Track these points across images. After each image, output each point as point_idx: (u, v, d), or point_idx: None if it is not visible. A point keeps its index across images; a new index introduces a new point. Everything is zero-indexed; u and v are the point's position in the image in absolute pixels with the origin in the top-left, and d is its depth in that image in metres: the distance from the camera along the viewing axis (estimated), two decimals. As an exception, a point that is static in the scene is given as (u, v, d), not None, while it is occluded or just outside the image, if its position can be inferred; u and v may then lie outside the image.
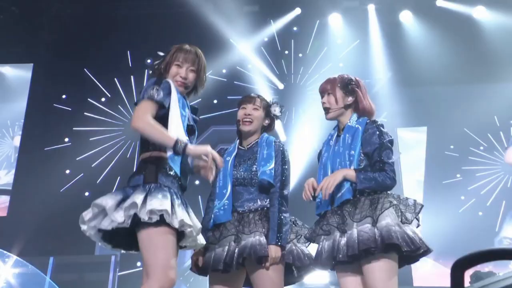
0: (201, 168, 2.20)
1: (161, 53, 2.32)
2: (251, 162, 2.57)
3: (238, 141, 2.69)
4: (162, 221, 1.99)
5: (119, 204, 2.01)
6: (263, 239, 2.39)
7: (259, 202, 2.51)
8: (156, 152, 2.13)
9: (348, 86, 2.38)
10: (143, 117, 2.06)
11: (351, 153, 2.26)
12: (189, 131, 2.22)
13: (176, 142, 2.06)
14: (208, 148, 2.13)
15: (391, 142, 2.29)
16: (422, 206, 2.19)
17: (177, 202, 2.06)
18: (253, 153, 2.60)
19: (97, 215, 2.04)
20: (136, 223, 2.00)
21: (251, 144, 2.64)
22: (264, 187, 2.51)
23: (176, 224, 2.01)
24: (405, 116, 6.89)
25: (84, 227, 2.05)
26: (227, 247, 2.45)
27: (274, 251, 2.39)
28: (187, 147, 2.08)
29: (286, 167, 2.55)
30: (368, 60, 7.23)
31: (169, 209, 1.99)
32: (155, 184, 2.06)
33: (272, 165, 2.51)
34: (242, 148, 2.66)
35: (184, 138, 2.11)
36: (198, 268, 2.51)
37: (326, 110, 2.41)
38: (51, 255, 6.05)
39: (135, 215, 1.98)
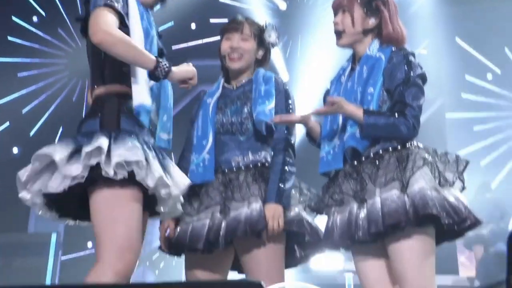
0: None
1: None
2: (241, 102, 2.54)
3: (223, 79, 2.64)
4: (128, 180, 1.91)
5: (72, 155, 1.92)
6: (260, 207, 2.34)
7: (251, 156, 2.48)
8: (116, 86, 2.05)
9: (372, 2, 2.30)
10: (109, 28, 1.95)
11: (369, 91, 2.22)
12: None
13: (157, 62, 2.00)
14: (194, 70, 2.12)
15: (423, 77, 2.21)
16: (468, 162, 2.15)
17: (150, 154, 1.97)
18: (244, 92, 2.56)
19: (40, 173, 1.95)
20: (91, 181, 1.91)
21: (242, 83, 2.60)
22: (260, 135, 2.47)
23: (151, 183, 1.93)
24: (451, 49, 6.80)
25: (24, 193, 1.97)
26: (208, 220, 2.38)
27: (274, 210, 2.34)
28: (171, 70, 2.04)
29: (291, 107, 2.54)
30: None
31: (142, 159, 1.91)
32: (117, 129, 1.98)
33: (273, 104, 2.49)
34: (229, 87, 2.62)
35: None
36: (169, 246, 2.47)
37: (338, 33, 2.33)
38: (-34, 234, 5.88)
39: (95, 168, 1.89)
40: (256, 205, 2.37)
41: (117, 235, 1.93)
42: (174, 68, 2.07)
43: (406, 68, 2.21)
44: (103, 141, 1.91)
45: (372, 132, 2.17)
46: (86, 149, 1.90)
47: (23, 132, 6.72)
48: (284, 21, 7.13)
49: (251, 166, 2.48)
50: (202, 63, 6.68)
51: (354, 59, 2.39)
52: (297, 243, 2.48)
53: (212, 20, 6.88)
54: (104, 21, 1.98)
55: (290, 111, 2.54)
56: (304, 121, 2.39)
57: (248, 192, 2.41)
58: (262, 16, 6.97)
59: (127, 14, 2.06)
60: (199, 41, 6.85)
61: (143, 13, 2.13)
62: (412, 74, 2.20)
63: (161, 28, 2.33)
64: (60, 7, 7.07)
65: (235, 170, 2.48)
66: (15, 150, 6.74)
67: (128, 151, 1.94)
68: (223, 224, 2.37)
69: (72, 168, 1.92)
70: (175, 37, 6.59)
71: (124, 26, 2.03)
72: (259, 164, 2.48)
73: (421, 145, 2.20)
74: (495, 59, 7.05)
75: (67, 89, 7.06)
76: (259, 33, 2.62)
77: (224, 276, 2.52)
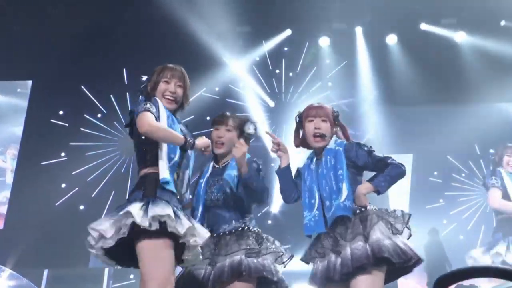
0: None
1: (144, 77, 2.45)
2: (224, 182, 2.57)
3: (213, 161, 2.72)
4: (163, 232, 2.00)
5: (115, 222, 2.08)
6: (240, 258, 2.38)
7: (234, 223, 2.52)
8: (153, 168, 2.21)
9: (338, 117, 2.53)
10: (149, 122, 2.14)
11: (339, 172, 2.32)
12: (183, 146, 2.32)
13: (185, 139, 2.21)
14: (209, 141, 2.33)
15: (371, 147, 2.41)
16: (410, 215, 2.24)
17: (179, 211, 2.11)
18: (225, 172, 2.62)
19: (99, 237, 2.08)
20: (136, 234, 2.03)
21: (225, 163, 2.65)
22: (240, 205, 2.52)
23: (181, 230, 2.02)
24: (391, 142, 7.06)
25: (93, 251, 2.11)
26: (203, 270, 2.45)
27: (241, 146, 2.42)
28: (195, 143, 2.24)
29: (261, 173, 2.53)
30: (355, 80, 7.51)
31: (172, 214, 2.02)
32: (154, 197, 2.12)
33: (236, 172, 2.50)
34: (217, 167, 2.66)
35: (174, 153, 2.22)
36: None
37: (322, 136, 2.44)
38: (46, 268, 6.15)
39: (134, 225, 2.01)
40: (237, 257, 2.41)
41: (157, 272, 1.97)
42: (196, 141, 2.27)
43: (362, 149, 2.38)
44: (134, 206, 2.01)
45: (387, 188, 2.30)
46: (120, 213, 2.03)
47: (87, 194, 7.08)
48: (272, 115, 7.63)
49: (233, 231, 2.52)
50: None
51: (316, 153, 2.50)
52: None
53: None
54: (147, 118, 2.16)
55: (260, 175, 2.55)
56: (283, 151, 2.46)
57: (231, 250, 2.45)
58: (257, 111, 7.44)
59: (158, 116, 2.23)
60: (212, 129, 6.11)
61: (168, 115, 2.31)
62: (366, 149, 2.38)
63: (184, 120, 2.59)
64: (116, 106, 7.58)
65: (221, 234, 2.54)
66: (81, 207, 7.06)
67: (160, 209, 2.03)
68: (212, 272, 2.42)
69: (112, 230, 2.03)
70: (194, 126, 5.35)
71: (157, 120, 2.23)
72: (239, 229, 2.53)
73: (376, 208, 2.33)
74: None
75: (118, 164, 7.36)
76: (240, 125, 2.64)
77: None
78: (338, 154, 2.37)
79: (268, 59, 7.73)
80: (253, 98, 7.54)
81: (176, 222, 2.03)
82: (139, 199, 2.13)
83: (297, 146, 2.56)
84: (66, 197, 7.08)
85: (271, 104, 7.68)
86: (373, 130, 7.42)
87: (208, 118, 7.00)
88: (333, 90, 7.67)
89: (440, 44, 7.27)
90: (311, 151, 2.56)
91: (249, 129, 2.58)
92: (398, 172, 2.31)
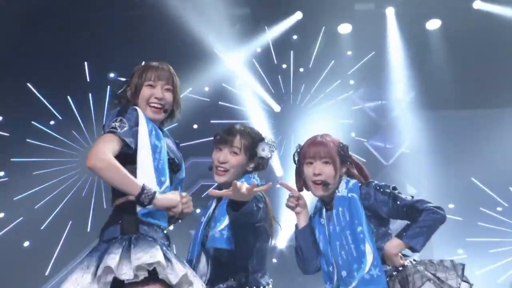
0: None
1: (122, 79, 2.37)
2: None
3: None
4: (152, 278, 1.95)
5: (95, 274, 1.97)
6: None
7: (235, 280, 2.42)
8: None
9: (346, 153, 2.41)
10: (102, 154, 2.05)
11: (358, 230, 2.25)
12: (172, 166, 2.27)
13: (142, 190, 2.05)
14: (177, 198, 2.15)
15: (394, 188, 2.32)
16: (464, 265, 2.17)
17: (171, 254, 2.05)
18: None
19: None
20: (120, 284, 1.95)
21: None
22: (226, 263, 2.39)
23: (174, 279, 1.97)
24: (429, 150, 6.80)
25: None
26: None
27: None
28: (155, 198, 2.07)
29: (261, 208, 2.37)
30: (385, 77, 7.21)
31: (162, 260, 1.96)
32: (136, 234, 2.06)
33: (224, 224, 2.35)
34: (220, 199, 2.52)
35: (152, 184, 2.11)
36: None
37: (325, 185, 2.34)
38: (-23, 325, 6.00)
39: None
40: None
41: None
42: (158, 196, 2.11)
43: (383, 193, 2.30)
44: (112, 258, 1.96)
45: (424, 243, 2.22)
46: (99, 272, 1.96)
47: (35, 226, 6.69)
48: (278, 122, 7.32)
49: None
50: (202, 160, 6.56)
51: (323, 201, 2.44)
52: None
53: (212, 121, 6.98)
54: (101, 147, 2.09)
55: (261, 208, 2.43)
56: (302, 207, 2.41)
57: None
58: (258, 117, 7.21)
59: (133, 138, 2.17)
60: (200, 140, 6.67)
61: (152, 129, 2.24)
62: (388, 192, 2.30)
63: (166, 128, 2.42)
64: (75, 111, 7.24)
65: None
66: (26, 243, 6.71)
67: (147, 255, 1.98)
68: None
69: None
70: (178, 136, 6.40)
71: (128, 147, 2.14)
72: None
73: (416, 259, 2.26)
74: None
75: (77, 186, 7.08)
76: (251, 146, 2.52)
77: None
78: (352, 204, 2.29)
79: (273, 51, 7.39)
80: (252, 101, 7.25)
81: (167, 269, 1.98)
82: (117, 239, 2.05)
83: (300, 190, 2.49)
84: (6, 230, 6.71)
85: (276, 108, 7.41)
86: (409, 142, 7.08)
87: (195, 126, 7.10)
88: (357, 90, 7.39)
89: (499, 31, 6.74)
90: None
91: (264, 151, 2.47)
92: (436, 219, 2.20)
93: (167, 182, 2.21)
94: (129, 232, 2.08)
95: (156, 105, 2.30)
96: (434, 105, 7.00)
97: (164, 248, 2.07)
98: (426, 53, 7.11)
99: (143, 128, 2.19)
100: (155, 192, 2.09)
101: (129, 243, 2.02)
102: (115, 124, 2.14)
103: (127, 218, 2.12)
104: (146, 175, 2.13)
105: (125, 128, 2.14)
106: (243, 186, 2.09)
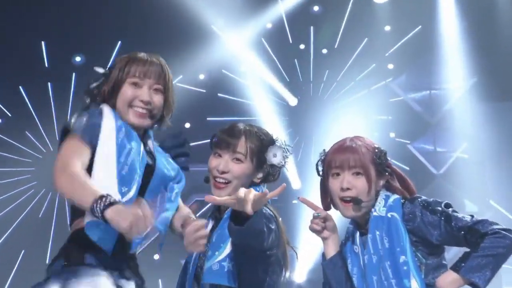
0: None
1: (100, 69, 2.36)
2: None
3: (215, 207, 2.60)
4: None
5: None
6: None
7: None
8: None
9: (384, 162, 2.39)
10: (58, 162, 2.14)
11: (401, 260, 2.26)
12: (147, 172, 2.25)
13: (100, 197, 2.02)
14: (131, 218, 2.03)
15: (447, 204, 2.27)
16: None
17: (123, 281, 2.14)
18: None
19: None
20: None
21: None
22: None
23: None
24: (494, 155, 6.90)
25: None
26: None
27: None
28: (108, 209, 2.00)
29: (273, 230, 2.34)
30: (436, 60, 7.25)
31: None
32: (80, 266, 2.12)
33: (225, 253, 2.38)
34: (220, 217, 2.53)
35: (112, 192, 2.09)
36: None
37: (356, 202, 2.33)
38: None
39: None
40: None
41: None
42: (110, 213, 2.04)
43: (433, 213, 2.30)
44: None
45: (491, 277, 2.22)
46: None
47: None
48: (294, 119, 7.45)
49: None
50: (196, 169, 6.74)
51: (356, 222, 2.43)
52: None
53: (209, 118, 7.14)
54: (65, 155, 2.19)
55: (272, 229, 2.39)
56: (331, 231, 2.44)
57: None
58: (268, 113, 7.36)
59: (96, 139, 2.20)
60: (193, 143, 6.86)
61: (120, 127, 2.24)
62: (440, 210, 2.28)
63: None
64: (29, 105, 7.26)
65: None
66: None
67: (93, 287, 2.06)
68: None
69: None
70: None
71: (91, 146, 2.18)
72: None
73: None
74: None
75: (32, 204, 7.08)
76: (259, 152, 2.50)
77: None
78: (393, 226, 2.27)
79: (287, 27, 7.44)
80: (261, 92, 7.34)
81: None
82: (57, 273, 2.12)
83: (327, 209, 2.48)
84: None
85: (292, 101, 7.45)
86: (467, 145, 7.03)
87: (187, 125, 7.28)
88: (397, 76, 7.37)
89: None
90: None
91: (275, 157, 2.51)
92: (505, 246, 2.17)
93: (131, 194, 2.19)
94: (73, 263, 2.15)
95: (140, 110, 2.29)
96: (501, 96, 6.95)
97: (114, 278, 2.13)
98: (492, 27, 7.05)
99: (109, 122, 2.23)
100: (110, 204, 2.01)
101: (67, 279, 2.09)
102: (76, 125, 2.22)
103: (75, 246, 2.18)
104: (102, 180, 2.16)
105: (84, 122, 2.22)
106: (250, 193, 2.08)
